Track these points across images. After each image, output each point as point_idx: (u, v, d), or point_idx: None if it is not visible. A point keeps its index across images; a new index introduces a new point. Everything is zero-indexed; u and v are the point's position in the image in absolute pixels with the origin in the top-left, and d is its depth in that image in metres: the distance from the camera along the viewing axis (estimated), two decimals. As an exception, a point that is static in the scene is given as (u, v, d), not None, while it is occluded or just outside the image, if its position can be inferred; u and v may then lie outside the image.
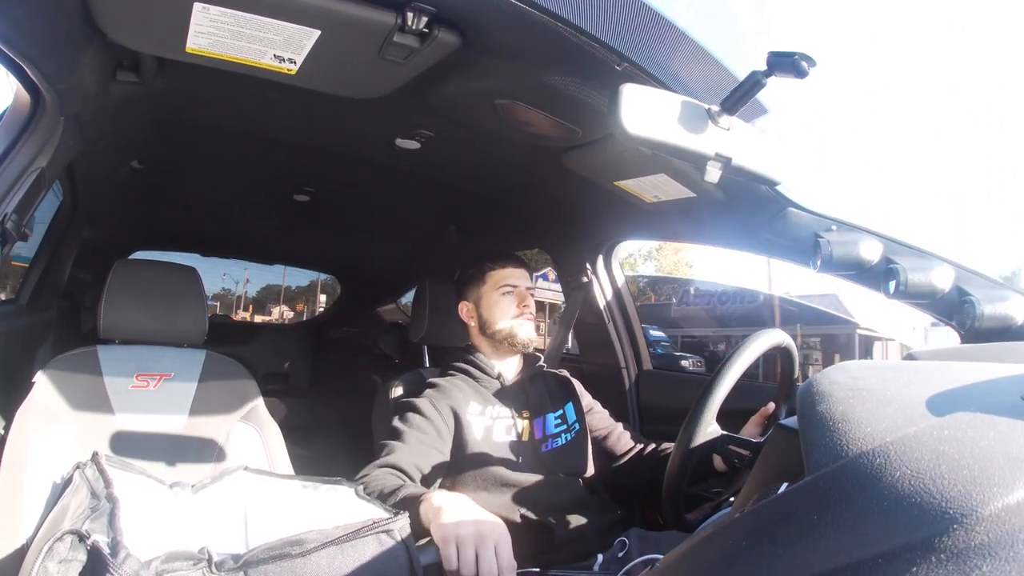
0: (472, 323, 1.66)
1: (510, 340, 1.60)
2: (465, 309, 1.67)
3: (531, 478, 1.47)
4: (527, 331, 1.62)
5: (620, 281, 2.22)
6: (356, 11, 1.07)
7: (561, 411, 1.62)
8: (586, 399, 1.73)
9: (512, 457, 1.48)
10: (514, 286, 1.63)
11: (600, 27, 1.08)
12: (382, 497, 1.17)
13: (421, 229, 2.85)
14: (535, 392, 1.62)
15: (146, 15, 1.10)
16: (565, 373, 1.76)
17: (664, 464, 1.19)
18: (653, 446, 1.64)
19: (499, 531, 1.01)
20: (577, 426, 1.60)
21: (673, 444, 1.16)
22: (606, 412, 1.75)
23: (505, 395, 1.57)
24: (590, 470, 1.58)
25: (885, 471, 0.44)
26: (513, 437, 1.52)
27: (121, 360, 1.59)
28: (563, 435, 1.58)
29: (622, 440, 1.67)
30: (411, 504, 1.09)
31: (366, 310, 3.96)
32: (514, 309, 1.61)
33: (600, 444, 1.66)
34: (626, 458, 1.65)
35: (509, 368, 1.64)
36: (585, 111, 1.38)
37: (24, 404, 1.40)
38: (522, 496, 1.45)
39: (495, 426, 1.51)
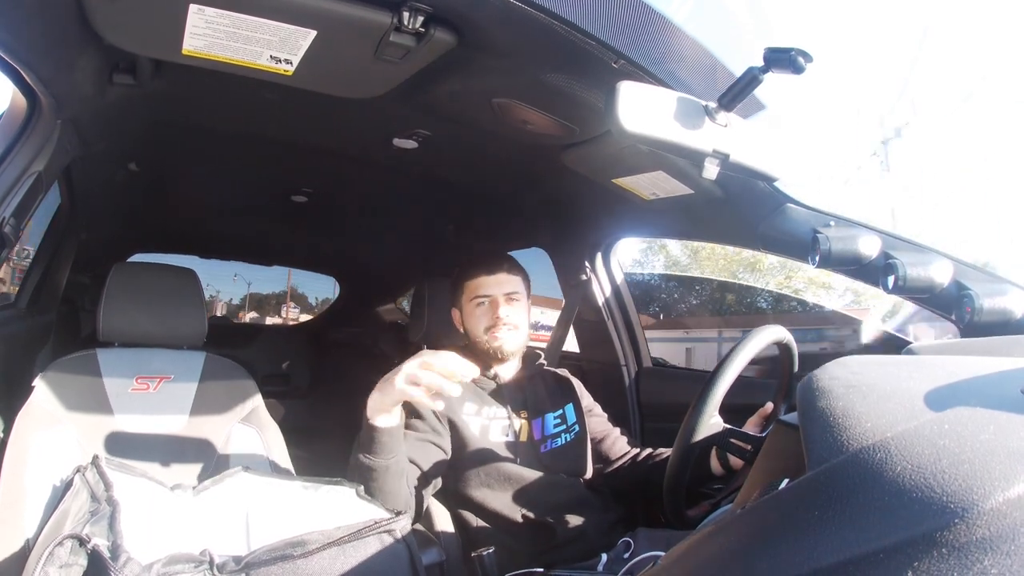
0: (461, 331, 1.64)
1: (488, 350, 1.56)
2: (456, 317, 1.65)
3: (533, 474, 1.47)
4: (504, 342, 1.56)
5: (619, 278, 2.22)
6: (352, 11, 1.07)
7: (560, 411, 1.60)
8: (586, 400, 1.72)
9: (511, 457, 1.48)
10: (487, 296, 1.57)
11: (596, 24, 1.08)
12: (357, 468, 1.24)
13: (419, 228, 2.85)
14: (533, 392, 1.61)
15: (142, 17, 1.10)
16: (566, 373, 1.74)
17: (659, 468, 1.19)
18: (649, 451, 1.63)
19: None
20: (577, 427, 1.59)
21: (668, 449, 1.17)
22: (605, 416, 1.74)
23: (501, 395, 1.56)
24: (590, 471, 1.57)
25: (886, 466, 0.44)
26: (510, 437, 1.51)
27: (121, 363, 1.59)
28: (562, 435, 1.57)
29: (617, 444, 1.67)
30: (365, 431, 1.23)
31: (365, 310, 3.96)
32: (486, 321, 1.56)
33: (595, 447, 1.65)
34: (620, 462, 1.64)
35: (506, 368, 1.62)
36: (582, 109, 1.38)
37: (24, 408, 1.40)
38: (523, 495, 1.45)
39: (491, 426, 1.51)
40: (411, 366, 1.15)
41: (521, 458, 1.48)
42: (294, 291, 5.00)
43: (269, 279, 4.62)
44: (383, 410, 1.20)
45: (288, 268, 4.29)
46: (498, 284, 1.58)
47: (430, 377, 1.12)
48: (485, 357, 1.58)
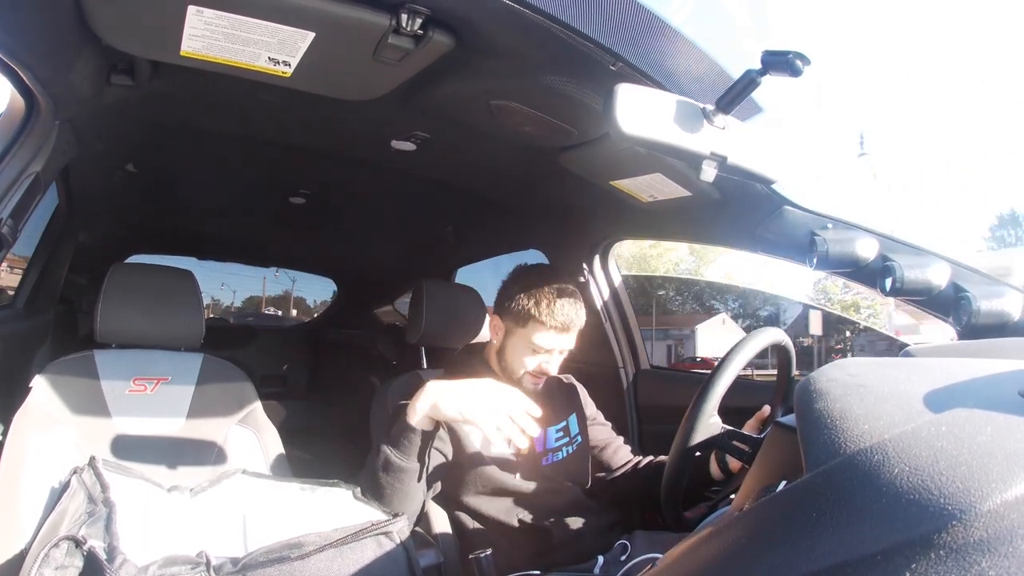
0: (496, 340, 1.57)
1: (514, 383, 1.51)
2: (495, 323, 1.57)
3: (531, 486, 1.46)
4: (534, 385, 1.52)
5: (617, 281, 2.21)
6: (350, 13, 1.07)
7: (564, 423, 1.58)
8: (590, 408, 1.70)
9: (511, 470, 1.47)
10: (548, 351, 1.50)
11: (594, 27, 1.08)
12: (386, 468, 1.23)
13: (418, 230, 2.85)
14: (538, 404, 1.59)
15: (140, 18, 1.10)
16: (571, 379, 1.73)
17: (659, 476, 1.19)
18: (649, 459, 1.63)
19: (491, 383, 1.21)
20: (579, 438, 1.57)
21: (667, 456, 1.17)
22: (608, 425, 1.72)
23: None
24: (591, 481, 1.56)
25: (883, 468, 0.44)
26: (512, 449, 1.49)
27: (118, 364, 1.59)
28: (564, 448, 1.55)
29: (619, 453, 1.66)
30: (403, 433, 1.22)
31: (363, 312, 3.95)
32: (534, 367, 1.51)
33: (597, 455, 1.64)
34: (620, 471, 1.63)
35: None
36: (580, 111, 1.38)
37: (22, 408, 1.39)
38: (521, 503, 1.44)
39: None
40: (488, 402, 1.16)
41: (521, 472, 1.47)
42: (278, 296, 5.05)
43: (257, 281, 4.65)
44: (432, 417, 1.21)
45: (279, 271, 4.30)
46: (563, 342, 1.51)
47: (503, 419, 1.14)
48: (503, 374, 1.55)
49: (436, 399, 1.19)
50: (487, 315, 1.63)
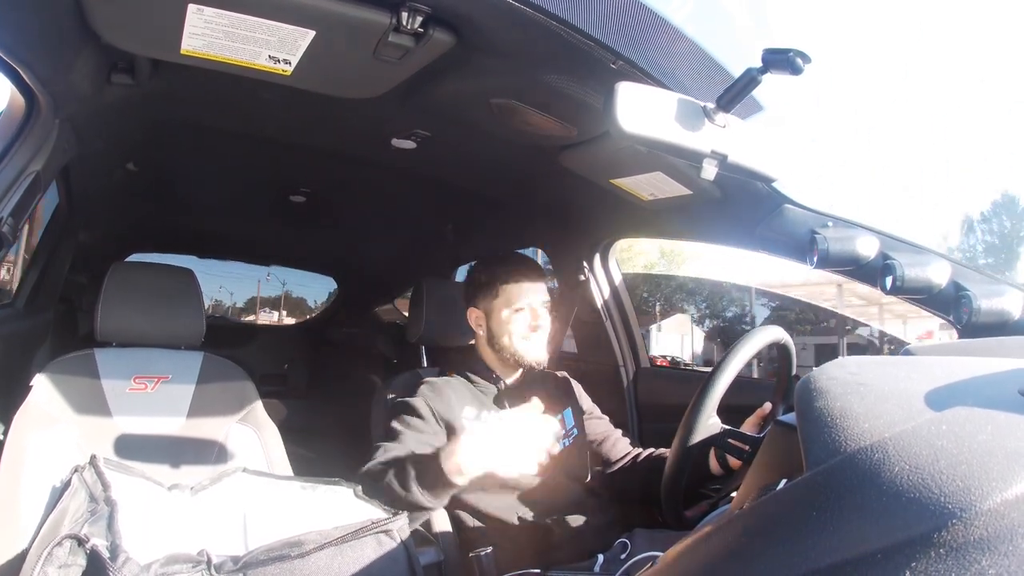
0: (480, 332, 1.59)
1: (517, 359, 1.54)
2: (474, 316, 1.60)
3: (531, 480, 1.46)
4: (537, 352, 1.54)
5: (617, 279, 2.21)
6: (351, 11, 1.07)
7: (559, 416, 1.59)
8: (586, 403, 1.71)
9: None
10: (528, 305, 1.53)
11: (595, 25, 1.08)
12: (414, 504, 1.16)
13: (418, 229, 2.85)
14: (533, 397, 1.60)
15: (141, 17, 1.10)
16: (565, 375, 1.73)
17: (657, 469, 1.18)
18: (649, 451, 1.63)
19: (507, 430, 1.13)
20: (576, 431, 1.58)
21: (668, 449, 1.16)
22: (606, 418, 1.73)
23: (502, 401, 1.55)
24: (590, 475, 1.57)
25: (884, 467, 0.44)
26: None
27: (118, 363, 1.59)
28: (561, 441, 1.55)
29: (617, 446, 1.66)
30: (440, 481, 1.14)
31: (364, 311, 3.95)
32: (525, 330, 1.53)
33: (596, 449, 1.64)
34: (619, 464, 1.63)
35: (510, 375, 1.61)
36: (581, 109, 1.38)
37: (22, 407, 1.40)
38: (520, 499, 1.45)
39: None
40: (516, 452, 1.11)
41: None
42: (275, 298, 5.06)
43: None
44: (471, 473, 1.13)
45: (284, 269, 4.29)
46: (536, 292, 1.54)
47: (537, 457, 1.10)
48: (506, 363, 1.57)
49: (464, 468, 1.12)
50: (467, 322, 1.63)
